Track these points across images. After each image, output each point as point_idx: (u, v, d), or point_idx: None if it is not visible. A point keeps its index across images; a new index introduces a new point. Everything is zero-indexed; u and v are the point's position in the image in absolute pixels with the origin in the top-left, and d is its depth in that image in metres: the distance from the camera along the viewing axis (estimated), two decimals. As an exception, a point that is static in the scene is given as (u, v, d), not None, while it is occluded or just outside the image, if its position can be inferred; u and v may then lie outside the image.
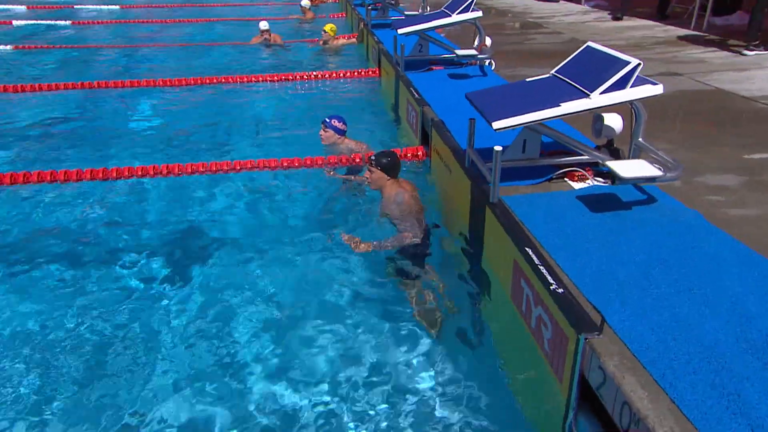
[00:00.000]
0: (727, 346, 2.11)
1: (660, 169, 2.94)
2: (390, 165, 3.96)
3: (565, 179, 3.62)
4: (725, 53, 7.26)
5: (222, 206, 4.89)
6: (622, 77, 2.97)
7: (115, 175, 4.98)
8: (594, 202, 3.29)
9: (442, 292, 3.69)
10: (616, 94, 2.99)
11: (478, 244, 3.61)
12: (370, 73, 8.36)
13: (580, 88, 3.12)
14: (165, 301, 3.66)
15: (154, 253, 4.19)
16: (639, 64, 2.95)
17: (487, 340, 3.38)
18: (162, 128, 6.74)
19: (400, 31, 6.11)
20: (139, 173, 5.01)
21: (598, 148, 3.71)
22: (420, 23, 6.17)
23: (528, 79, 3.59)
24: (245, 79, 8.27)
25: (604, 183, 3.54)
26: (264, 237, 4.41)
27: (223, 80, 8.22)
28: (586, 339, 2.18)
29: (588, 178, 3.56)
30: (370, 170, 4.00)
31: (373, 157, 3.99)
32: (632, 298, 2.39)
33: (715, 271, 2.56)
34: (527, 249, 2.80)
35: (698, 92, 5.59)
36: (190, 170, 5.02)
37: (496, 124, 3.01)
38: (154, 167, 5.02)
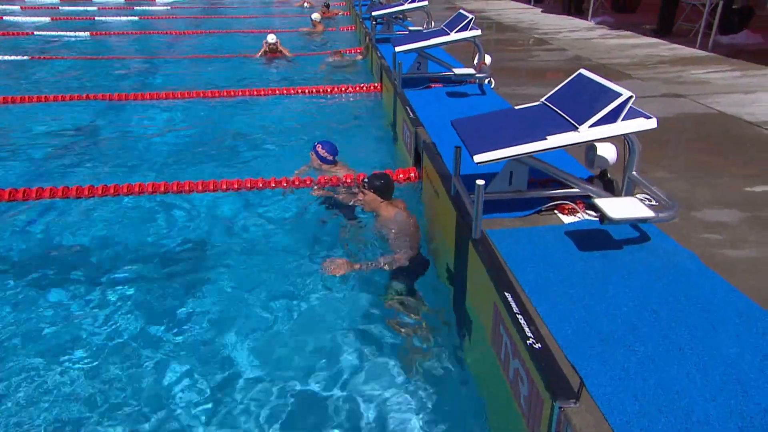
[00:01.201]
0: (719, 421, 1.83)
1: (653, 208, 2.66)
2: (383, 187, 3.83)
3: (555, 212, 3.35)
4: (730, 74, 6.92)
5: (210, 226, 4.69)
6: (613, 110, 2.70)
7: (113, 191, 4.80)
8: (583, 239, 3.01)
9: (425, 329, 3.46)
10: (606, 128, 2.72)
11: (461, 280, 3.35)
12: (372, 88, 8.13)
13: (569, 119, 2.85)
14: (154, 327, 3.51)
15: (132, 275, 4.01)
16: (631, 97, 2.68)
17: (471, 382, 3.12)
18: (156, 144, 6.56)
19: (398, 49, 5.87)
20: (125, 191, 4.82)
21: (591, 178, 3.43)
22: (417, 41, 5.92)
23: (517, 107, 3.33)
24: (247, 92, 8.08)
25: (595, 218, 3.26)
26: (253, 259, 4.22)
27: (225, 94, 8.03)
28: (561, 408, 1.91)
29: (578, 212, 3.28)
30: (362, 192, 3.88)
31: (366, 179, 3.87)
32: (615, 358, 2.12)
33: (709, 326, 2.28)
34: (506, 294, 2.53)
35: (701, 116, 5.28)
36: (176, 188, 4.81)
37: (478, 158, 2.75)
38: (140, 185, 4.82)
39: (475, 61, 6.23)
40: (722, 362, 2.08)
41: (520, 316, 2.37)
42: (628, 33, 10.32)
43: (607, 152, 3.23)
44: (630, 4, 12.97)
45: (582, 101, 2.92)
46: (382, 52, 8.46)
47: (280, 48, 10.64)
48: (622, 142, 3.06)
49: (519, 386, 2.33)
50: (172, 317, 3.60)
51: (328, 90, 8.13)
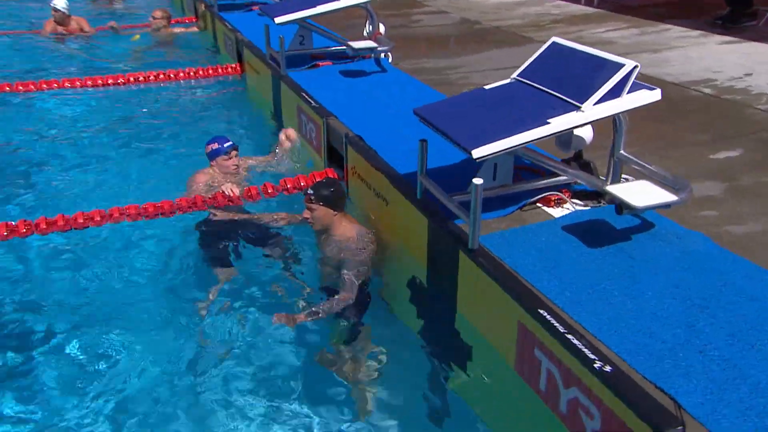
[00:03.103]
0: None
1: (670, 190, 2.86)
2: (334, 196, 3.73)
3: (538, 205, 3.46)
4: (629, 32, 7.72)
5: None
6: (617, 83, 2.84)
7: None
8: (584, 233, 3.16)
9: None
10: (612, 104, 2.87)
11: (445, 298, 3.34)
12: (230, 70, 7.76)
13: (564, 98, 2.95)
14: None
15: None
16: (636, 67, 2.84)
17: (469, 418, 3.12)
18: None
19: (278, 20, 5.65)
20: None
21: (566, 162, 3.61)
22: (300, 9, 5.75)
23: (487, 87, 3.37)
24: (37, 86, 7.18)
25: (584, 207, 3.44)
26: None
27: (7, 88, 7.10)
28: (671, 438, 1.98)
29: (566, 202, 3.43)
30: (309, 208, 3.72)
31: (310, 191, 3.73)
32: (695, 368, 2.25)
33: (763, 317, 2.51)
34: (540, 311, 2.56)
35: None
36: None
37: (478, 152, 2.74)
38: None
39: (367, 31, 6.22)
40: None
41: (570, 336, 2.41)
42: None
43: (584, 131, 3.41)
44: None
45: (573, 76, 3.04)
46: (233, 24, 8.11)
47: (76, 20, 9.58)
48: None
49: (582, 419, 2.37)
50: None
51: (164, 77, 7.56)
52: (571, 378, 2.40)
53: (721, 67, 6.02)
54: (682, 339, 2.40)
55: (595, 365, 2.27)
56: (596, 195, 3.50)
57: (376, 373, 3.43)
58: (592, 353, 2.33)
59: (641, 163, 3.19)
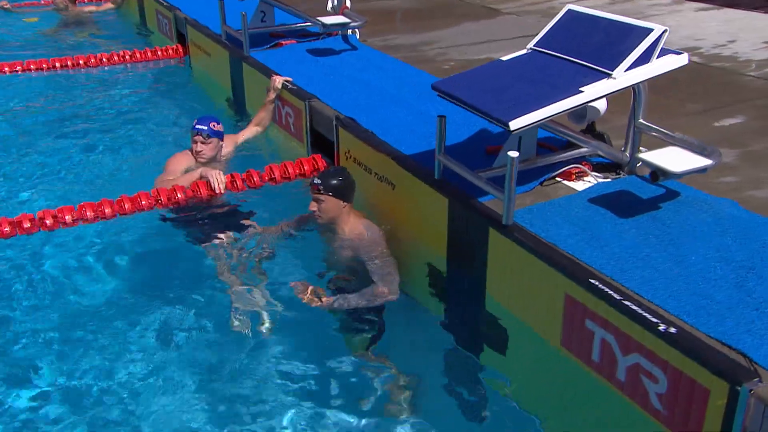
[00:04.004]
0: None
1: (701, 155, 3.17)
2: (345, 186, 3.78)
3: (557, 179, 3.72)
4: (600, 1, 8.15)
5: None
6: (647, 49, 3.12)
7: None
8: (613, 203, 3.42)
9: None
10: (643, 70, 3.15)
11: (471, 281, 3.55)
12: (171, 53, 7.75)
13: (592, 66, 3.21)
14: None
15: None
16: (665, 31, 3.13)
17: (506, 411, 3.33)
18: None
19: (242, -5, 5.73)
20: None
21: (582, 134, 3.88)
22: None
23: (503, 58, 3.60)
24: None
25: (605, 179, 3.71)
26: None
27: None
28: (751, 391, 2.25)
29: (587, 175, 3.70)
30: (317, 199, 3.75)
31: (318, 180, 3.74)
32: (758, 325, 2.53)
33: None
34: (592, 281, 2.81)
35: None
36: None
37: (515, 124, 2.96)
38: None
39: (331, 6, 6.36)
40: None
41: (628, 303, 2.66)
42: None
43: (598, 102, 3.69)
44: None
45: (596, 43, 3.31)
46: (168, 0, 8.09)
47: None
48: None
49: (644, 385, 2.62)
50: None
51: (84, 62, 7.47)
52: (631, 344, 2.65)
53: (703, 34, 6.49)
54: (736, 299, 2.69)
55: (660, 328, 2.53)
56: (615, 167, 3.79)
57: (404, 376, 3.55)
58: (653, 317, 2.58)
59: (663, 130, 3.50)
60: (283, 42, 6.37)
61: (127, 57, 7.57)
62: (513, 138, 3.47)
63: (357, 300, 3.58)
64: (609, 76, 3.14)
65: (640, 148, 3.70)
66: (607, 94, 3.16)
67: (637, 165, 3.69)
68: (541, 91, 3.14)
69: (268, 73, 5.57)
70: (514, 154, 3.03)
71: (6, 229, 4.13)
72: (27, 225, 4.18)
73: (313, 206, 3.80)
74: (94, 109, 6.79)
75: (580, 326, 2.88)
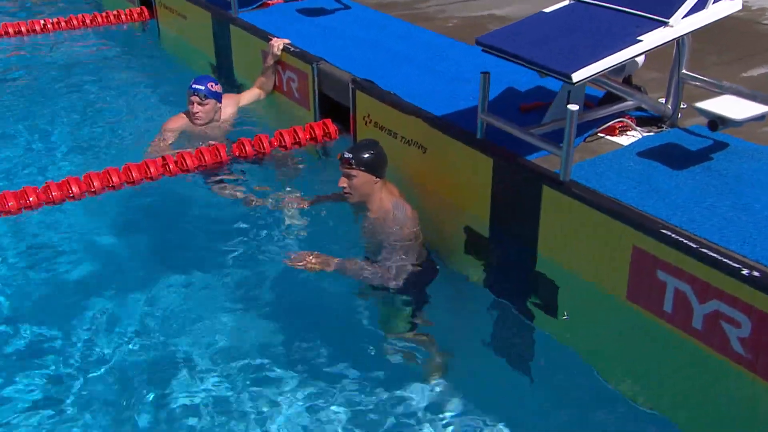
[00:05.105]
0: None
1: (756, 102, 3.44)
2: (377, 160, 3.79)
3: (599, 135, 3.96)
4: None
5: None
6: (702, -6, 3.37)
7: None
8: (663, 156, 3.68)
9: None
10: (700, 16, 3.38)
11: (519, 242, 3.76)
12: (136, 16, 7.74)
13: (646, 15, 3.44)
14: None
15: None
16: (718, -23, 3.38)
17: (568, 369, 3.57)
18: None
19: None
20: None
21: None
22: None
23: (546, 10, 3.80)
24: None
25: (648, 132, 3.97)
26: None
27: None
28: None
29: (631, 129, 3.95)
30: (348, 175, 3.76)
31: (349, 154, 3.75)
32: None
33: None
34: (664, 231, 3.05)
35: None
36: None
37: (577, 75, 3.16)
38: None
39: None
40: None
41: (705, 250, 2.92)
42: None
43: (636, 53, 3.94)
44: None
45: (645, -9, 3.54)
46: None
47: None
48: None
49: (724, 331, 2.89)
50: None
51: (34, 28, 7.41)
52: (709, 291, 2.91)
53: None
54: (810, 241, 2.98)
55: (743, 272, 2.79)
56: (656, 120, 4.05)
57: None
58: (734, 262, 2.84)
59: (711, 80, 3.77)
60: (270, 2, 6.44)
61: (88, 21, 7.51)
62: (561, 94, 3.68)
63: (357, 271, 3.75)
64: (665, 24, 3.37)
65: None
66: (666, 43, 3.39)
67: (679, 117, 3.96)
68: (598, 41, 3.36)
69: (260, 35, 5.66)
70: (574, 107, 3.25)
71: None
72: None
73: (343, 182, 3.80)
74: (51, 77, 6.74)
75: (650, 278, 3.13)
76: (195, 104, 4.83)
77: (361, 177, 3.75)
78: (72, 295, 4.07)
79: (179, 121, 4.92)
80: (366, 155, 3.76)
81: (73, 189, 4.35)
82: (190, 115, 4.89)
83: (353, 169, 3.74)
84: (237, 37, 6.02)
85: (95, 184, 4.40)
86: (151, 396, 3.44)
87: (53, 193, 4.31)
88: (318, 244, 4.15)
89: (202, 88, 4.81)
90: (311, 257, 3.80)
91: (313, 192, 4.53)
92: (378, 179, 3.80)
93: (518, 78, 4.65)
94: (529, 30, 3.66)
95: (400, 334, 3.80)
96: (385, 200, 3.83)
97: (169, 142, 4.86)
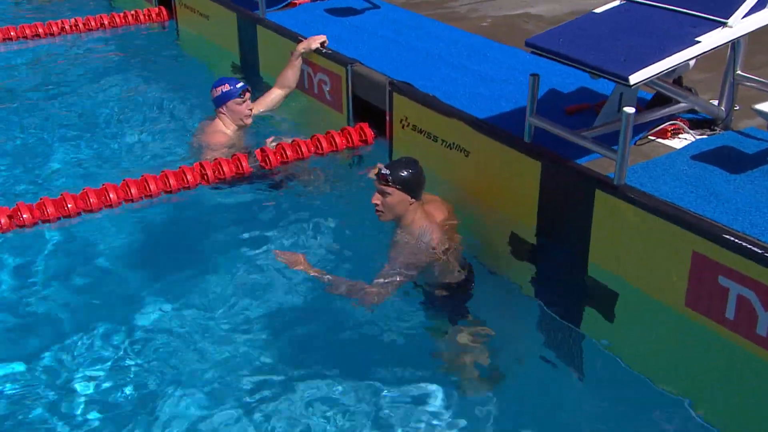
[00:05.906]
0: None
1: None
2: (415, 180, 3.77)
3: (650, 138, 4.06)
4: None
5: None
6: (760, -6, 3.48)
7: None
8: (719, 159, 3.77)
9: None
10: (760, 16, 3.48)
11: (570, 246, 3.86)
12: (154, 17, 7.90)
13: (703, 15, 3.55)
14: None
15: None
16: (778, -25, 3.49)
17: (622, 380, 3.66)
18: None
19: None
20: None
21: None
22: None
23: (596, 11, 3.92)
24: None
25: (702, 135, 4.07)
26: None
27: None
28: None
29: (684, 132, 4.05)
30: (383, 192, 3.76)
31: (387, 171, 3.73)
32: None
33: None
34: (727, 236, 3.15)
35: None
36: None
37: (635, 78, 3.26)
38: None
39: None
40: None
41: (771, 255, 3.02)
42: None
43: (687, 54, 4.05)
44: None
45: (700, -9, 3.65)
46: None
47: None
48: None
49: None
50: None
51: (68, 28, 7.58)
52: (775, 296, 3.01)
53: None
54: None
55: (811, 277, 2.89)
56: (708, 123, 4.15)
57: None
58: (805, 266, 2.94)
59: (764, 80, 3.87)
60: (297, 1, 6.58)
61: (105, 22, 7.66)
62: (614, 95, 3.79)
63: (341, 287, 3.81)
64: (724, 24, 3.47)
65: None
66: (725, 43, 3.50)
67: (732, 119, 4.06)
68: (655, 42, 3.46)
69: (289, 35, 5.78)
70: (630, 110, 3.35)
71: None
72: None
73: (377, 199, 3.79)
74: (71, 81, 6.88)
75: (712, 284, 3.22)
76: (248, 100, 5.00)
77: (396, 196, 3.74)
78: (78, 301, 4.24)
79: (221, 137, 5.05)
80: (404, 173, 3.74)
81: (111, 196, 4.52)
82: (230, 117, 5.01)
83: (389, 186, 3.72)
84: (264, 36, 6.15)
85: (132, 191, 4.56)
86: (153, 400, 3.56)
87: (91, 200, 4.47)
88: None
89: (241, 83, 5.00)
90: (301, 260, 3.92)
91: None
92: (413, 200, 3.80)
93: (560, 80, 4.76)
94: (581, 31, 3.77)
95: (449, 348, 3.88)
96: (416, 224, 3.84)
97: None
